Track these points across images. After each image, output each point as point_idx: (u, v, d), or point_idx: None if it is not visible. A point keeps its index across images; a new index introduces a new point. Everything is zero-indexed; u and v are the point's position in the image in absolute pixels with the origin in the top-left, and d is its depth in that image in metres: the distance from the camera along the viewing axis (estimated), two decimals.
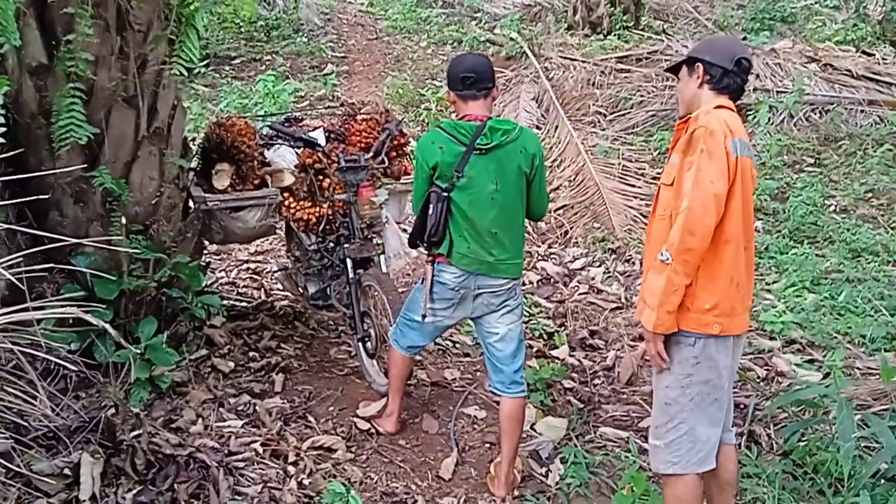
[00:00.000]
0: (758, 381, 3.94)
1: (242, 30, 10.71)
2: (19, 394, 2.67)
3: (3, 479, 2.52)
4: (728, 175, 2.28)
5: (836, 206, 5.95)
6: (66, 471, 2.65)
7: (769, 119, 7.05)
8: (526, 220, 3.11)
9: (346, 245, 3.71)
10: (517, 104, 7.90)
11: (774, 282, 4.95)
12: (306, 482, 3.04)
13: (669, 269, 2.32)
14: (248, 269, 5.31)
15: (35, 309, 2.68)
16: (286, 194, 3.85)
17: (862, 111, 7.25)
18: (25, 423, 2.70)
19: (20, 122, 3.15)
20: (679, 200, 2.33)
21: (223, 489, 2.81)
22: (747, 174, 2.35)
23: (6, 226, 2.88)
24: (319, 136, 3.94)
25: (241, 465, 3.02)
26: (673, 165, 2.42)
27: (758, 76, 7.69)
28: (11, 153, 2.96)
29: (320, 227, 3.85)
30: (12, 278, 2.36)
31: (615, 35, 9.80)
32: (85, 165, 3.24)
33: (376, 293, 3.66)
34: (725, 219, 2.31)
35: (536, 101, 7.96)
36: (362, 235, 3.73)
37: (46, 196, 3.17)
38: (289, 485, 2.99)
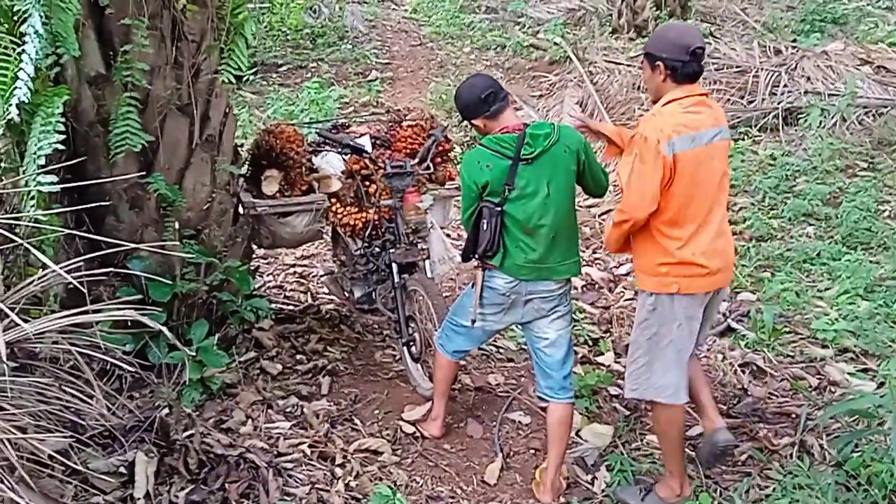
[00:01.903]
0: (810, 390, 3.86)
1: (289, 37, 10.87)
2: (77, 393, 2.75)
3: (61, 477, 2.60)
4: (663, 173, 2.69)
5: (890, 211, 5.78)
6: (122, 469, 2.72)
7: (821, 122, 6.89)
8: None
9: (391, 250, 3.75)
10: (561, 109, 7.87)
11: (827, 289, 4.84)
12: (353, 484, 3.08)
13: (614, 228, 2.90)
14: (295, 273, 5.38)
15: (93, 312, 2.76)
16: (333, 200, 3.90)
17: None
18: (83, 422, 2.78)
19: (79, 130, 3.25)
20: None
21: (272, 489, 2.86)
22: (690, 163, 2.71)
23: (66, 231, 2.97)
24: (366, 143, 3.99)
25: (290, 466, 3.07)
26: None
27: (809, 79, 7.53)
28: (71, 161, 3.07)
29: (366, 233, 3.90)
30: (74, 282, 2.44)
31: None
32: (141, 172, 3.34)
33: (421, 297, 3.69)
34: (681, 205, 2.74)
35: (581, 106, 7.91)
36: (407, 240, 3.76)
37: (104, 202, 3.27)
38: (336, 486, 3.03)
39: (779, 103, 7.30)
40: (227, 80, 3.53)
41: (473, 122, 3.05)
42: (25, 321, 2.49)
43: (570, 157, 2.95)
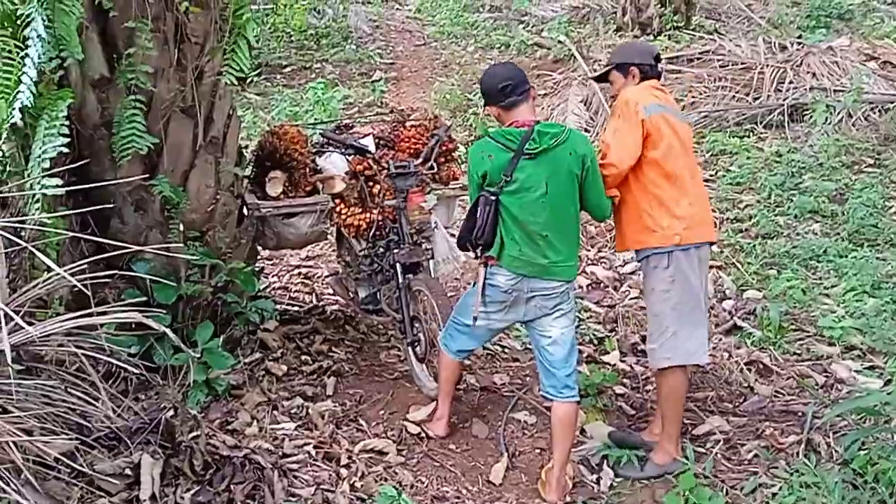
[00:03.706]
0: (816, 388, 3.84)
1: (293, 39, 10.88)
2: (82, 395, 2.76)
3: (67, 479, 2.61)
4: (642, 129, 3.06)
5: None
6: (127, 471, 2.72)
7: (826, 119, 6.87)
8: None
9: (395, 250, 3.75)
10: (565, 107, 7.85)
11: (833, 286, 4.82)
12: (358, 485, 3.08)
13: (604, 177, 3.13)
14: (299, 273, 5.39)
15: (98, 314, 2.77)
16: (337, 201, 3.90)
17: None
18: (88, 424, 2.79)
19: (83, 133, 3.26)
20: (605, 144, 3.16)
21: (278, 490, 2.86)
22: (664, 124, 3.09)
23: (71, 234, 2.98)
24: (370, 143, 3.99)
25: (295, 466, 3.07)
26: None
27: (814, 75, 7.50)
28: (75, 164, 3.07)
29: (370, 233, 3.89)
30: (78, 284, 2.45)
31: (665, 35, 9.66)
32: (145, 175, 3.34)
33: (426, 298, 3.68)
34: (661, 158, 3.08)
35: (585, 104, 7.90)
36: (412, 241, 3.76)
37: (108, 205, 3.28)
38: (341, 487, 3.03)
39: (784, 100, 7.28)
40: (230, 82, 3.54)
41: (489, 108, 3.11)
42: (31, 324, 2.50)
43: (574, 161, 2.96)
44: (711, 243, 3.30)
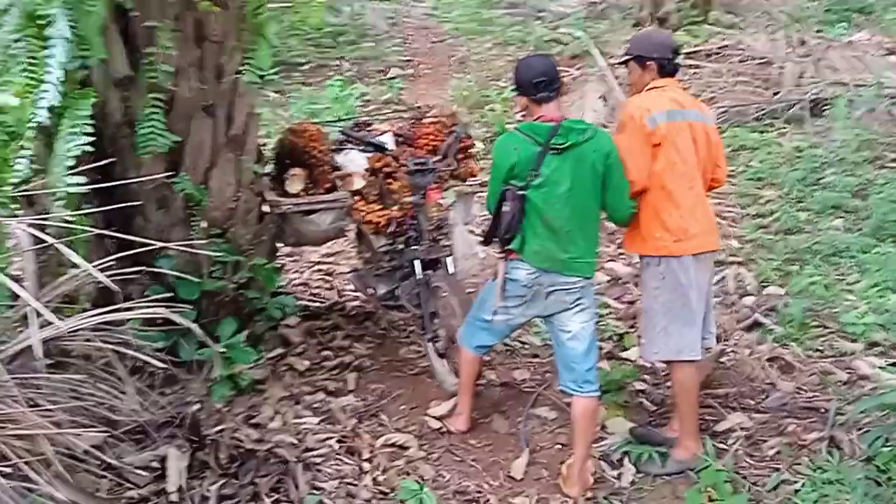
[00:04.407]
0: (839, 384, 3.82)
1: (311, 36, 10.92)
2: (110, 390, 2.80)
3: (96, 471, 2.66)
4: (648, 142, 3.06)
5: None
6: (155, 463, 2.78)
7: (848, 113, 6.80)
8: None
9: (414, 247, 3.77)
10: (582, 103, 7.83)
11: (856, 282, 4.78)
12: (380, 478, 3.10)
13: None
14: (320, 270, 5.42)
15: (124, 310, 2.82)
16: (356, 197, 3.92)
17: None
18: (116, 418, 2.84)
19: (106, 132, 3.30)
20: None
21: (301, 483, 2.90)
22: (674, 133, 3.07)
23: (96, 231, 3.03)
24: (388, 141, 4.01)
25: (318, 460, 3.11)
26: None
27: (835, 69, 7.43)
28: (99, 163, 3.11)
29: (389, 230, 3.91)
30: (105, 280, 2.49)
31: (683, 30, 9.61)
32: (168, 173, 3.38)
33: (445, 294, 3.70)
34: (660, 170, 3.08)
35: (603, 100, 7.87)
36: (430, 237, 3.78)
37: (132, 203, 3.32)
38: (364, 481, 3.06)
39: (805, 94, 7.21)
40: (249, 81, 3.56)
41: (518, 97, 3.10)
42: (59, 319, 2.54)
43: (598, 158, 2.98)
44: (712, 251, 3.27)
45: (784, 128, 7.03)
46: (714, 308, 3.51)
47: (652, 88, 3.20)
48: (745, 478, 3.22)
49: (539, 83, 2.98)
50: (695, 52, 8.49)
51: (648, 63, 3.21)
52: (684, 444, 3.27)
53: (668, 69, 3.22)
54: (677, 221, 3.10)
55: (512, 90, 3.23)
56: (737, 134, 6.91)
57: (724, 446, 3.40)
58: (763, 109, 7.24)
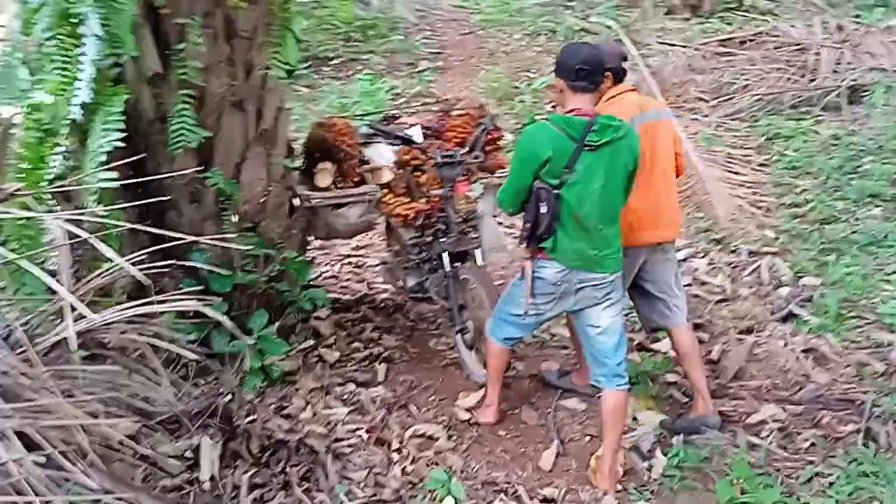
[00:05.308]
0: (876, 376, 3.74)
1: (340, 30, 10.95)
2: (145, 381, 2.86)
3: (131, 460, 2.72)
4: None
5: None
6: (188, 453, 2.83)
7: (886, 100, 6.64)
8: None
9: (442, 239, 3.78)
10: None
11: (894, 272, 4.67)
12: (409, 469, 3.13)
13: None
14: (349, 263, 5.46)
15: (158, 303, 2.86)
16: (385, 191, 3.93)
17: None
18: (150, 408, 2.89)
19: (139, 128, 3.36)
20: None
21: (331, 473, 2.94)
22: (649, 132, 3.24)
23: (130, 225, 3.08)
24: (416, 134, 4.02)
25: (348, 451, 3.14)
26: None
27: (873, 55, 7.25)
28: (132, 158, 3.17)
29: (418, 222, 3.92)
30: (139, 274, 2.53)
31: (717, 17, 9.45)
32: (199, 168, 3.43)
33: (473, 286, 3.70)
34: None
35: (635, 89, 7.77)
36: (459, 229, 3.78)
37: (165, 197, 3.37)
38: (393, 471, 3.09)
39: (842, 81, 7.05)
40: (278, 76, 3.59)
41: (556, 78, 3.01)
42: (94, 312, 2.60)
43: (630, 158, 2.95)
44: (663, 242, 3.40)
45: (820, 115, 6.88)
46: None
47: (610, 98, 3.29)
48: (777, 470, 3.18)
49: (580, 70, 2.89)
50: (728, 39, 8.34)
51: (606, 74, 3.20)
52: (697, 405, 3.47)
53: (620, 77, 3.36)
54: (623, 215, 3.19)
55: (552, 72, 3.18)
56: (772, 122, 6.79)
57: (757, 439, 3.37)
58: (799, 97, 7.09)
